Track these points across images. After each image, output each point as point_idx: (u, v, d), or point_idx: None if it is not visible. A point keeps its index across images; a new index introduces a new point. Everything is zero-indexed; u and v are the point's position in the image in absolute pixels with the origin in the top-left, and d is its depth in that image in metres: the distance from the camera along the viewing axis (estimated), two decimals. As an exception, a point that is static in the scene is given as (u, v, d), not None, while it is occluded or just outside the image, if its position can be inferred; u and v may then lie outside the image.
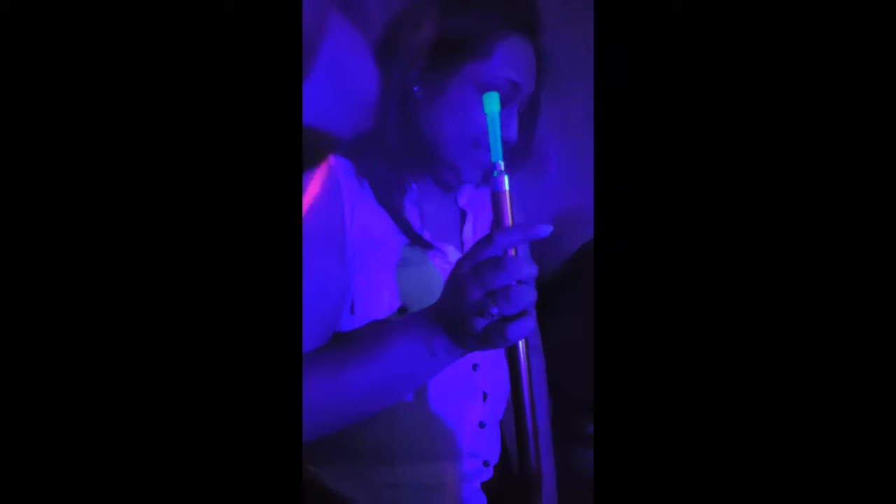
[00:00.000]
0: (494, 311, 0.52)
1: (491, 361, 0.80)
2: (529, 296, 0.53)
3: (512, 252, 0.54)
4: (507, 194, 0.56)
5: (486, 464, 0.80)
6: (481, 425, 0.78)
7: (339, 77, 0.61)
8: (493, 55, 0.73)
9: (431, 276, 0.75)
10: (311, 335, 0.68)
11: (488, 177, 0.79)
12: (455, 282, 0.56)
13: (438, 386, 0.74)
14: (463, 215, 0.82)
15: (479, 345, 0.56)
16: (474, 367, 0.77)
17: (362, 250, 0.72)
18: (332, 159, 0.74)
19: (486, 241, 0.54)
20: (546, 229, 0.54)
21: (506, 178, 0.56)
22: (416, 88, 0.75)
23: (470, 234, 0.81)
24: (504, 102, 0.73)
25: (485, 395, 0.78)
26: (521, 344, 0.57)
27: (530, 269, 0.53)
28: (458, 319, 0.55)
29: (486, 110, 0.57)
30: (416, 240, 0.75)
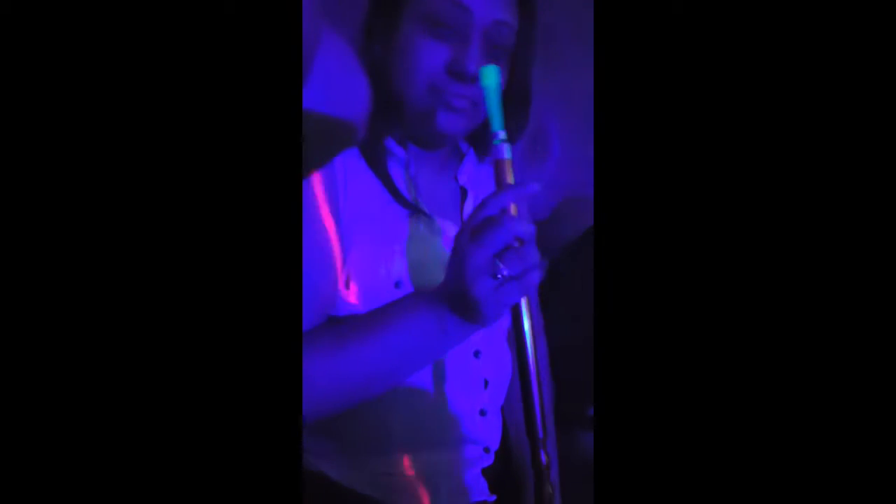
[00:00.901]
0: (505, 271, 0.54)
1: (492, 348, 0.79)
2: (535, 255, 0.55)
3: (512, 211, 0.56)
4: (508, 162, 0.57)
5: (486, 450, 0.79)
6: (482, 413, 0.77)
7: (333, 90, 0.59)
8: None
9: (436, 250, 0.73)
10: (309, 310, 0.66)
11: (487, 146, 0.77)
12: (457, 251, 0.56)
13: (441, 374, 0.73)
14: (464, 193, 0.80)
15: (483, 312, 0.56)
16: (476, 353, 0.76)
17: (357, 223, 0.70)
18: None
19: (481, 206, 0.56)
20: (534, 187, 0.56)
21: (507, 147, 0.57)
22: (377, 48, 0.69)
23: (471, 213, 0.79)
24: (457, 32, 0.67)
25: (486, 383, 0.77)
26: (523, 302, 0.59)
27: (527, 226, 0.55)
28: (463, 288, 0.55)
29: (483, 83, 0.58)
30: (410, 207, 0.71)
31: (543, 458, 0.60)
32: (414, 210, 0.72)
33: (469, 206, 0.79)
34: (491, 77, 0.58)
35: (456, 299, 0.57)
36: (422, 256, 0.72)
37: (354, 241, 0.69)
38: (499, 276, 0.54)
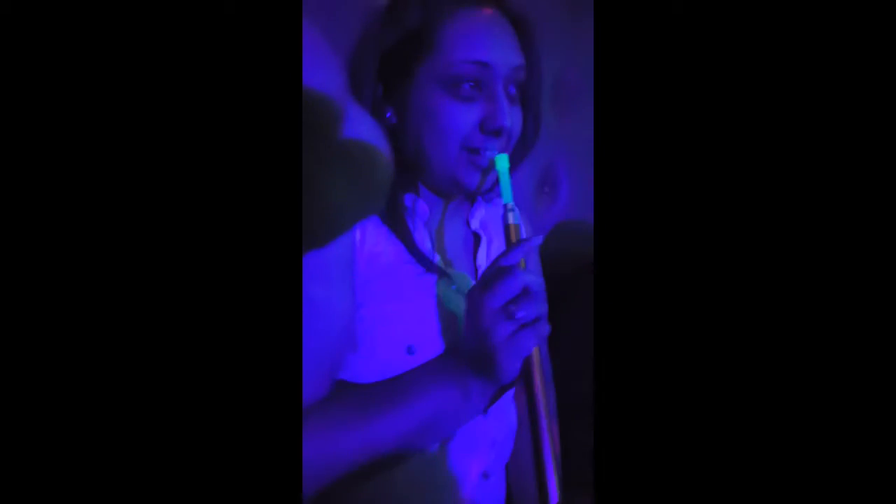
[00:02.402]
0: (519, 314, 0.56)
1: (500, 406, 0.75)
2: (544, 305, 0.58)
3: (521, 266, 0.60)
4: (517, 227, 0.64)
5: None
6: (485, 475, 0.73)
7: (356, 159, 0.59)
8: (439, 42, 0.67)
9: (457, 304, 0.71)
10: (314, 376, 0.62)
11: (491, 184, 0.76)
12: (471, 305, 0.59)
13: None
14: (476, 239, 0.78)
15: (500, 363, 0.57)
16: (484, 411, 0.74)
17: (370, 281, 0.67)
18: None
19: (493, 265, 0.60)
20: (538, 239, 0.62)
21: (516, 214, 0.64)
22: (388, 114, 0.69)
23: (484, 259, 0.76)
24: (482, 86, 0.67)
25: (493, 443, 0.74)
26: (534, 353, 0.60)
27: (536, 278, 0.59)
28: (480, 338, 0.57)
29: (497, 168, 0.65)
30: (428, 266, 0.69)
31: None
32: (440, 273, 0.71)
33: (482, 253, 0.77)
34: (503, 163, 0.65)
35: (475, 357, 0.58)
36: (454, 313, 0.71)
37: (366, 298, 0.67)
38: (515, 318, 0.56)
